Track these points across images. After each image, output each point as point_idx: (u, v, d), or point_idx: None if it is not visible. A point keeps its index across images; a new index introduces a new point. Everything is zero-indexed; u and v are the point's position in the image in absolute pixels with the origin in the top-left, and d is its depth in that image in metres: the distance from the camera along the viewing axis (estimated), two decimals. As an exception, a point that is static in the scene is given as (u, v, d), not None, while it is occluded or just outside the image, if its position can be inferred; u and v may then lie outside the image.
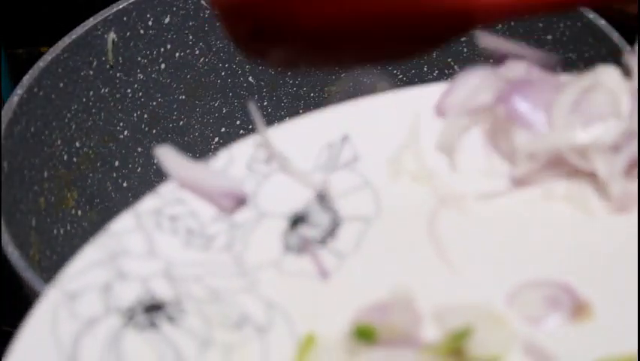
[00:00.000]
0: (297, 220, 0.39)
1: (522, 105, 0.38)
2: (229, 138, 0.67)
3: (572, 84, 0.39)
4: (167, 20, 0.61)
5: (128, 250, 0.38)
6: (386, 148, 0.40)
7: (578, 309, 0.36)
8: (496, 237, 0.38)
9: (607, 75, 0.38)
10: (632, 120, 0.38)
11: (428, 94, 0.41)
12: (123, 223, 0.38)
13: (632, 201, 0.38)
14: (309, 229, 0.39)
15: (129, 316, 0.36)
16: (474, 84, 0.40)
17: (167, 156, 0.40)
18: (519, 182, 0.39)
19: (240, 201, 0.39)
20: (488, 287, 0.37)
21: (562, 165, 0.38)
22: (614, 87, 0.38)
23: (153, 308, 0.36)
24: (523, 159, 0.38)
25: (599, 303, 0.36)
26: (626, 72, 0.39)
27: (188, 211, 0.39)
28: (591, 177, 0.38)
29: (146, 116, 0.63)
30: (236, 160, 0.40)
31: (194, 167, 0.40)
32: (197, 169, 0.40)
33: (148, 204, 0.39)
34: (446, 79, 0.65)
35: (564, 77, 0.40)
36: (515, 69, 0.40)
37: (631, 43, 0.55)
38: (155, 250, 0.38)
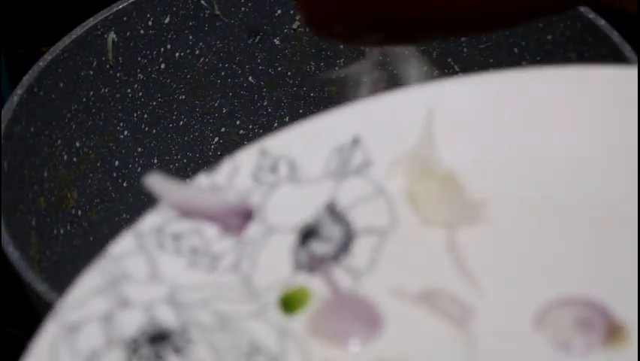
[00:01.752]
0: (308, 234, 0.37)
1: None
2: (229, 137, 0.67)
3: None
4: (167, 20, 0.61)
5: (129, 274, 0.35)
6: (400, 151, 0.38)
7: (613, 332, 0.34)
8: (520, 250, 0.36)
9: None
10: None
11: (441, 90, 0.38)
12: (123, 245, 0.36)
13: None
14: (320, 244, 0.36)
15: (133, 348, 0.34)
16: None
17: (157, 183, 0.37)
18: None
19: (248, 217, 0.36)
20: (515, 308, 0.35)
21: None
22: None
23: (158, 339, 0.34)
24: None
25: (635, 324, 0.33)
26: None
27: (192, 228, 0.36)
28: None
29: (146, 116, 0.63)
30: (240, 170, 0.37)
31: (189, 189, 0.37)
32: (194, 190, 0.36)
33: (149, 221, 0.36)
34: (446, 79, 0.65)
35: None
36: None
37: (631, 43, 0.55)
38: (158, 274, 0.35)
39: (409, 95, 0.39)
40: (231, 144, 0.67)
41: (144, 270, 0.35)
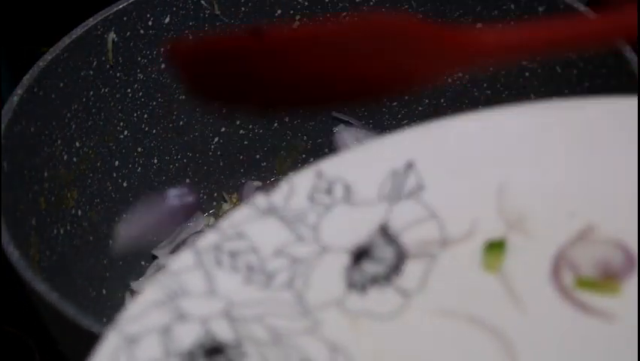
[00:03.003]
0: (360, 255, 0.38)
1: None
2: (229, 137, 0.67)
3: None
4: (167, 20, 0.61)
5: (187, 289, 0.36)
6: (453, 176, 0.39)
7: None
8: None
9: None
10: None
11: (493, 119, 0.40)
12: (182, 261, 0.37)
13: None
14: (372, 264, 0.38)
15: (190, 360, 0.35)
16: None
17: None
18: None
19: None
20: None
21: None
22: None
23: (214, 352, 0.35)
24: None
25: None
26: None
27: (249, 246, 0.37)
28: None
29: (146, 116, 0.63)
30: (297, 191, 0.39)
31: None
32: None
33: (208, 239, 0.37)
34: (446, 79, 0.65)
35: None
36: None
37: (631, 43, 0.55)
38: (215, 289, 0.36)
39: (462, 121, 0.40)
40: (231, 144, 0.67)
41: (202, 285, 0.36)
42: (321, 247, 0.38)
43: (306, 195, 0.38)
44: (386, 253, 0.38)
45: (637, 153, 0.38)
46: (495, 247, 0.38)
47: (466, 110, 0.67)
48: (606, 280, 0.36)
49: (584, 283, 0.36)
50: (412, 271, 0.37)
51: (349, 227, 0.38)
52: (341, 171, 0.39)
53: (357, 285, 0.37)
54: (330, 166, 0.39)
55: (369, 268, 0.38)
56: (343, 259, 0.38)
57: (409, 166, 0.39)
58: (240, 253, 0.37)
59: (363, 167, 0.39)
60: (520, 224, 0.38)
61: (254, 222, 0.38)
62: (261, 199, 0.38)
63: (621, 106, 0.39)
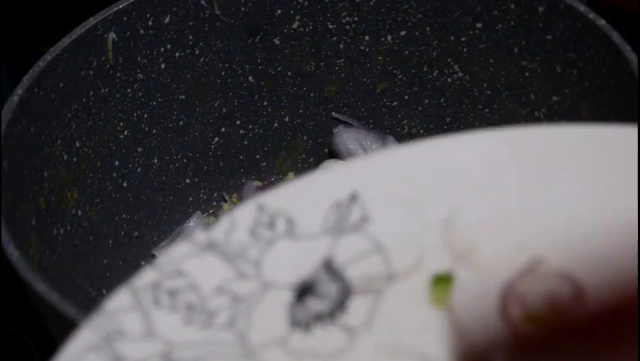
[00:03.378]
0: (304, 291, 0.37)
1: None
2: (229, 137, 0.67)
3: None
4: (167, 20, 0.61)
5: (124, 331, 0.35)
6: (399, 207, 0.38)
7: None
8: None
9: None
10: None
11: (440, 148, 0.38)
12: (119, 301, 0.35)
13: None
14: (317, 301, 0.36)
15: None
16: None
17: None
18: None
19: None
20: None
21: None
22: None
23: None
24: None
25: None
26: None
27: (188, 284, 0.36)
28: None
29: (146, 116, 0.63)
30: (238, 225, 0.37)
31: None
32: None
33: (145, 278, 0.36)
34: (446, 79, 0.65)
35: None
36: None
37: (631, 43, 0.55)
38: (153, 330, 0.35)
39: (408, 151, 0.39)
40: (231, 144, 0.67)
41: (139, 327, 0.35)
42: (263, 283, 0.36)
43: (247, 230, 0.37)
44: (330, 288, 0.37)
45: (588, 181, 0.37)
46: (442, 281, 0.37)
47: (466, 111, 0.67)
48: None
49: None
50: (357, 307, 0.36)
51: (292, 262, 0.37)
52: (283, 204, 0.37)
53: (301, 323, 0.36)
54: (272, 199, 0.38)
55: (313, 304, 0.36)
56: (286, 296, 0.36)
57: (353, 198, 0.38)
58: (179, 291, 0.36)
59: (306, 199, 0.38)
60: (468, 256, 0.37)
61: (193, 259, 0.37)
62: (200, 235, 0.37)
63: (572, 134, 0.38)
